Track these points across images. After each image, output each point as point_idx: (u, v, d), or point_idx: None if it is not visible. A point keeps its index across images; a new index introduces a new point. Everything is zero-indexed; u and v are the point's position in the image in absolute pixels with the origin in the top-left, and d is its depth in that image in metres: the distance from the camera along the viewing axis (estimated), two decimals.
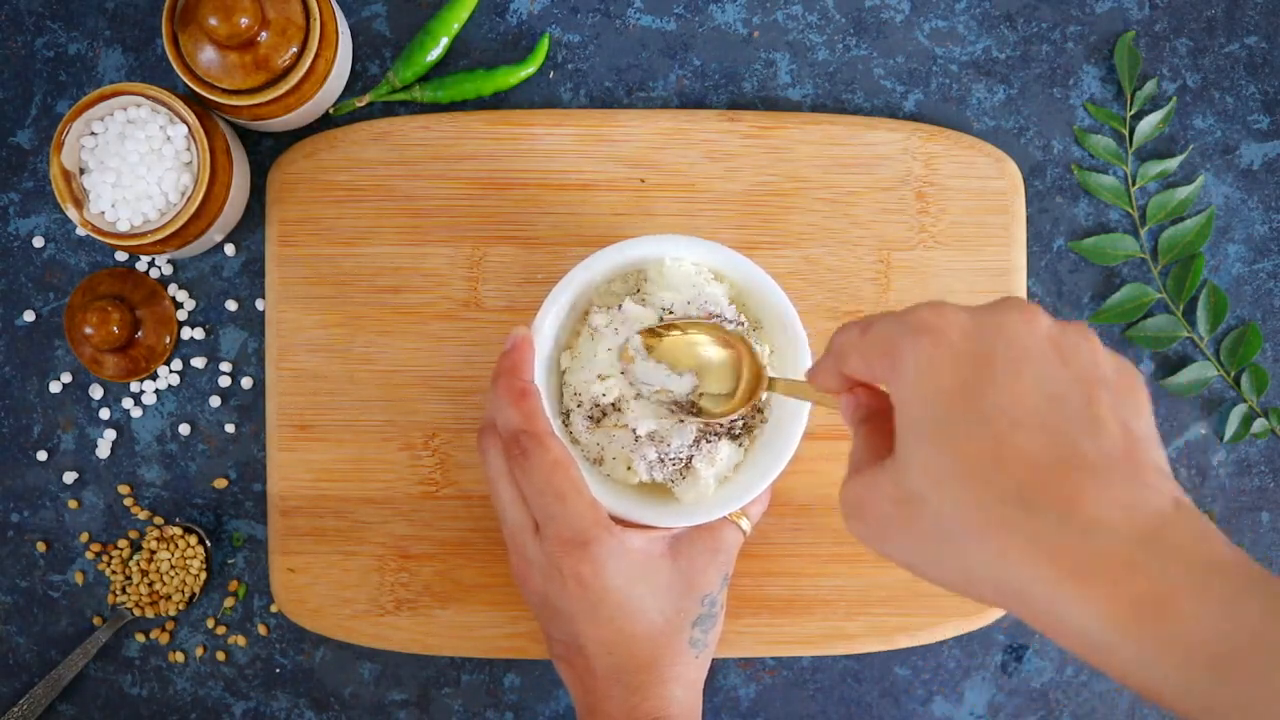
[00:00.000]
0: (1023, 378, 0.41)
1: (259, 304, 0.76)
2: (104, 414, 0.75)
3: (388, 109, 0.76)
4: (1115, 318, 0.76)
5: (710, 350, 0.64)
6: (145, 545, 0.74)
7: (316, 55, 0.68)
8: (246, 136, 0.76)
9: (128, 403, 0.75)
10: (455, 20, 0.75)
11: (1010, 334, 0.42)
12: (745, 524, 0.66)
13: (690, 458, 0.64)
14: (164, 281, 0.76)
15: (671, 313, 0.64)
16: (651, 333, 0.63)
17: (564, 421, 0.66)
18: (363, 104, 0.75)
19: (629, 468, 0.64)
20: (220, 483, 0.75)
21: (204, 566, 0.74)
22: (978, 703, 0.76)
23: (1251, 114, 0.77)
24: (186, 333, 0.75)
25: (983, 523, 0.40)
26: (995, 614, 0.75)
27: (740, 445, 0.65)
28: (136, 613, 0.74)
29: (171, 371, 0.75)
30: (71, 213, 0.67)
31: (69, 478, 0.75)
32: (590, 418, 0.65)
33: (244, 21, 0.64)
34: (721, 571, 0.65)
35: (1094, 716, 0.76)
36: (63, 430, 0.76)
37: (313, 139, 0.74)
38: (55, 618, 0.75)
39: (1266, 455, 0.77)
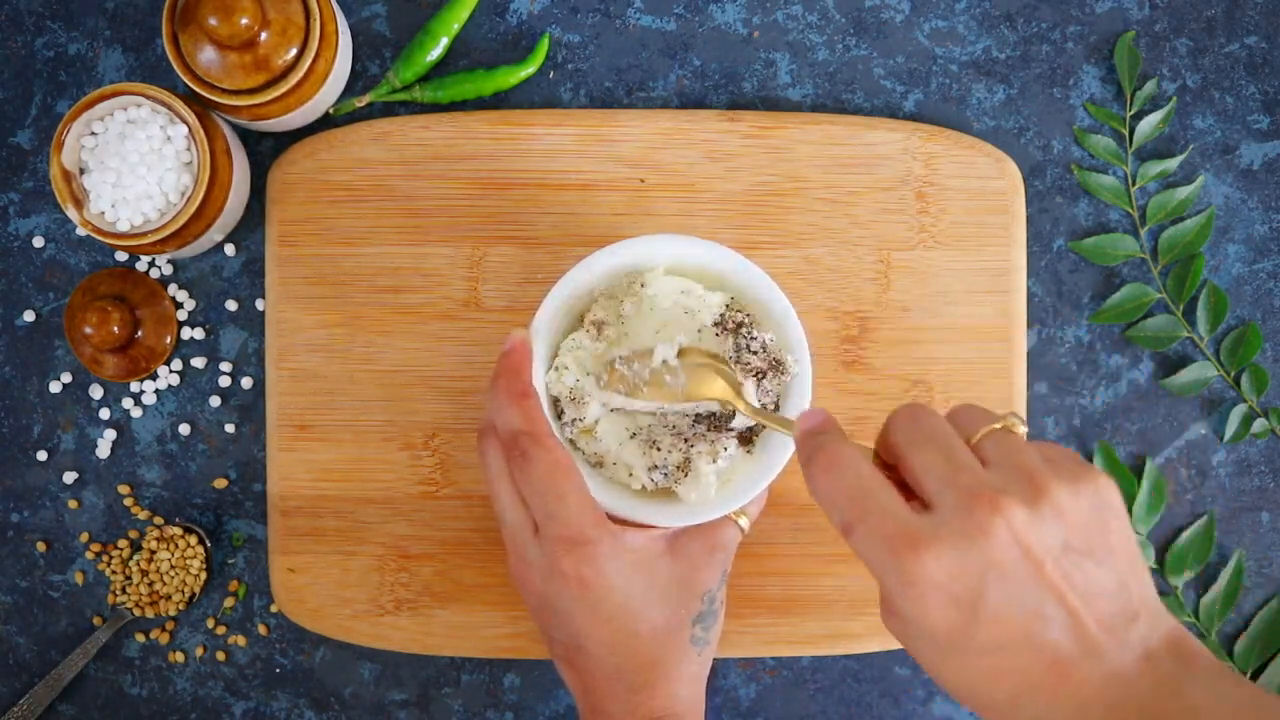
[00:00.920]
0: (1008, 609, 0.46)
1: (259, 304, 0.76)
2: (104, 414, 0.75)
3: (388, 109, 0.76)
4: (1115, 318, 0.76)
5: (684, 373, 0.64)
6: (145, 545, 0.74)
7: (316, 55, 0.68)
8: (246, 136, 0.76)
9: (128, 403, 0.75)
10: (455, 20, 0.75)
11: (995, 570, 0.46)
12: (744, 521, 0.66)
13: (688, 459, 0.64)
14: (164, 281, 0.76)
15: (631, 363, 0.63)
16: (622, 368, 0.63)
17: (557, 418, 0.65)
18: (363, 104, 0.75)
19: (630, 474, 0.64)
20: (220, 483, 0.75)
21: (204, 566, 0.74)
22: None
23: (1251, 114, 0.77)
24: (186, 333, 0.75)
25: (987, 709, 0.49)
26: None
27: (749, 450, 0.65)
28: (136, 613, 0.74)
29: (171, 371, 0.75)
30: (71, 213, 0.67)
31: (69, 478, 0.75)
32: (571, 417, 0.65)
33: (244, 21, 0.64)
34: (721, 568, 0.65)
35: None
36: (63, 430, 0.76)
37: (313, 139, 0.74)
38: (55, 618, 0.75)
39: (1266, 455, 0.77)
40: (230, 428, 0.76)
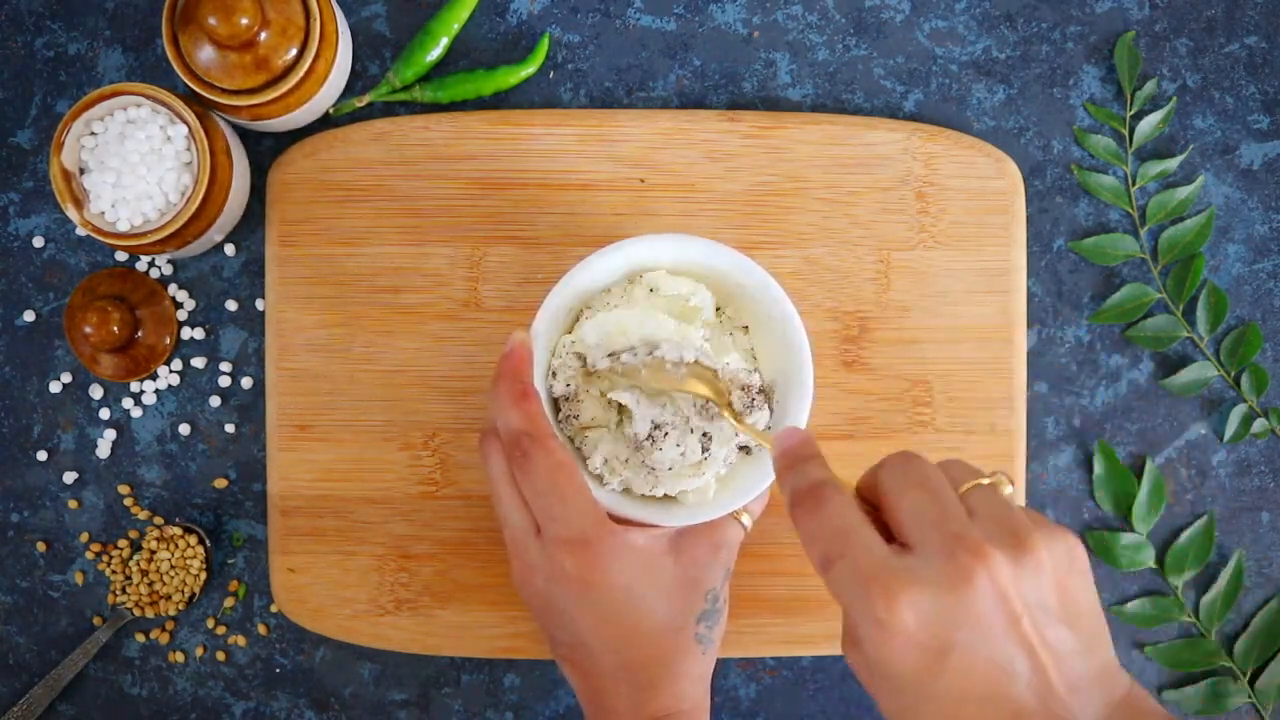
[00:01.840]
0: (977, 661, 0.46)
1: (259, 304, 0.76)
2: (104, 414, 0.75)
3: (388, 109, 0.76)
4: (1115, 318, 0.76)
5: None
6: (145, 545, 0.74)
7: (316, 55, 0.68)
8: (246, 136, 0.76)
9: (128, 403, 0.75)
10: (455, 20, 0.75)
11: (971, 620, 0.45)
12: (746, 520, 0.66)
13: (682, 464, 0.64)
14: (164, 281, 0.76)
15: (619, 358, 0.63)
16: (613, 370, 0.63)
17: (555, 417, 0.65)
18: (363, 104, 0.75)
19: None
20: (220, 483, 0.75)
21: (204, 566, 0.74)
22: None
23: (1251, 114, 0.77)
24: (186, 333, 0.75)
25: None
26: None
27: (751, 452, 0.65)
28: (136, 613, 0.74)
29: (171, 371, 0.75)
30: (71, 213, 0.67)
31: (69, 478, 0.75)
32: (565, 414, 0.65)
33: (244, 21, 0.64)
34: (724, 567, 0.65)
35: None
36: (63, 430, 0.76)
37: (313, 139, 0.74)
38: (55, 618, 0.75)
39: (1266, 455, 0.77)
40: (230, 428, 0.76)
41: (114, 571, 0.75)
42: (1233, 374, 0.76)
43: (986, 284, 0.74)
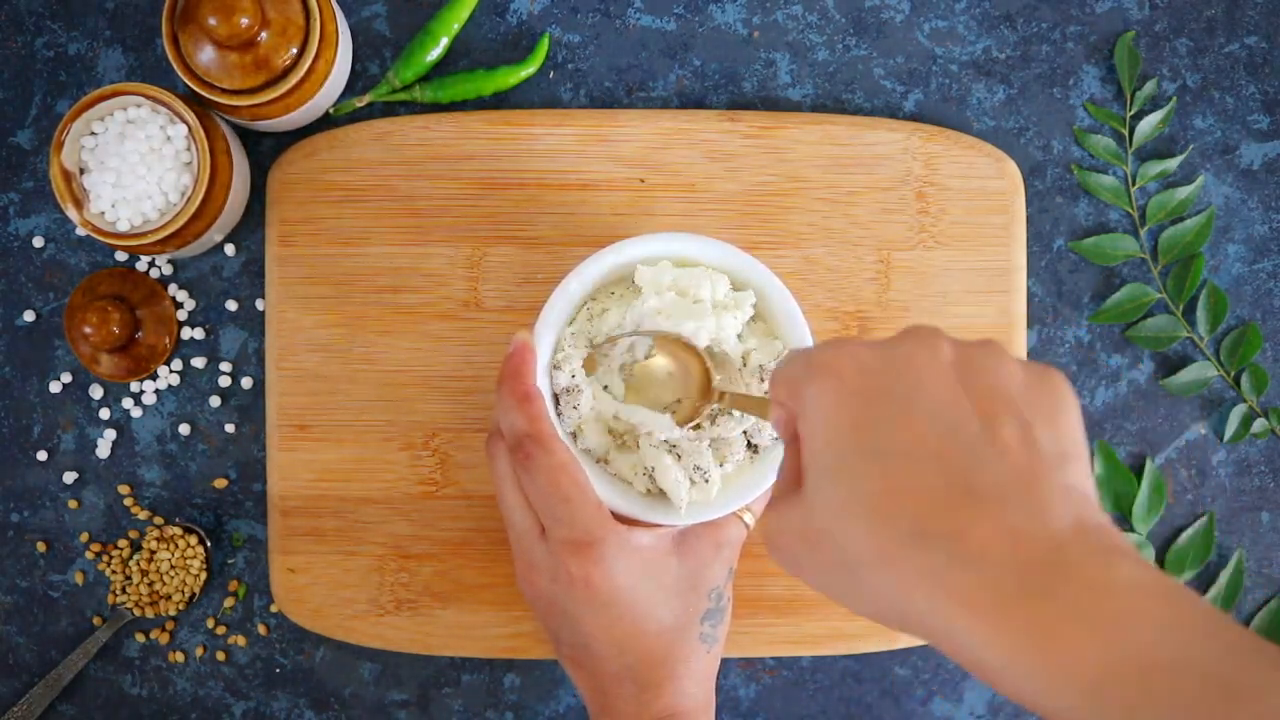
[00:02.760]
0: (917, 410, 0.41)
1: (259, 304, 0.76)
2: (104, 414, 0.75)
3: (388, 109, 0.76)
4: (1115, 318, 0.76)
5: (661, 362, 0.64)
6: (145, 545, 0.74)
7: (316, 55, 0.68)
8: (246, 136, 0.76)
9: (128, 403, 0.75)
10: (455, 20, 0.75)
11: (907, 366, 0.42)
12: (749, 518, 0.66)
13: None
14: (164, 281, 0.76)
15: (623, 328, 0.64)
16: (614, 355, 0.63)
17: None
18: (363, 104, 0.75)
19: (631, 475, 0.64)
20: (220, 483, 0.75)
21: (204, 566, 0.74)
22: (977, 703, 0.76)
23: (1251, 114, 0.77)
24: (186, 333, 0.75)
25: (881, 557, 0.40)
26: None
27: (753, 456, 0.65)
28: (136, 613, 0.74)
29: (171, 371, 0.75)
30: (71, 213, 0.67)
31: (69, 478, 0.75)
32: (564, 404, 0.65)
33: (244, 21, 0.64)
34: (727, 565, 0.65)
35: None
36: (63, 430, 0.76)
37: (313, 139, 0.74)
38: (55, 618, 0.75)
39: (1266, 455, 0.77)
40: (230, 428, 0.76)
41: (114, 571, 0.75)
42: (1233, 374, 0.76)
43: (986, 284, 0.74)
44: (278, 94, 0.67)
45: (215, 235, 0.71)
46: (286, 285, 0.74)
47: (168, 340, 0.75)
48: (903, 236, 0.74)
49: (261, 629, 0.76)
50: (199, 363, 0.76)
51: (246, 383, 0.75)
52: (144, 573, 0.74)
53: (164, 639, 0.75)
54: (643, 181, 0.74)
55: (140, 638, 0.76)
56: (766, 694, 0.76)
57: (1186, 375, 0.76)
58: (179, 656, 0.75)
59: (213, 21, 0.64)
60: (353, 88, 0.76)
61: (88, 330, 0.71)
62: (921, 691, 0.76)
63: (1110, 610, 0.37)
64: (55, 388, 0.75)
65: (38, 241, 0.75)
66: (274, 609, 0.75)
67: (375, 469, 0.74)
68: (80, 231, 0.75)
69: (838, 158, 0.74)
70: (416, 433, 0.74)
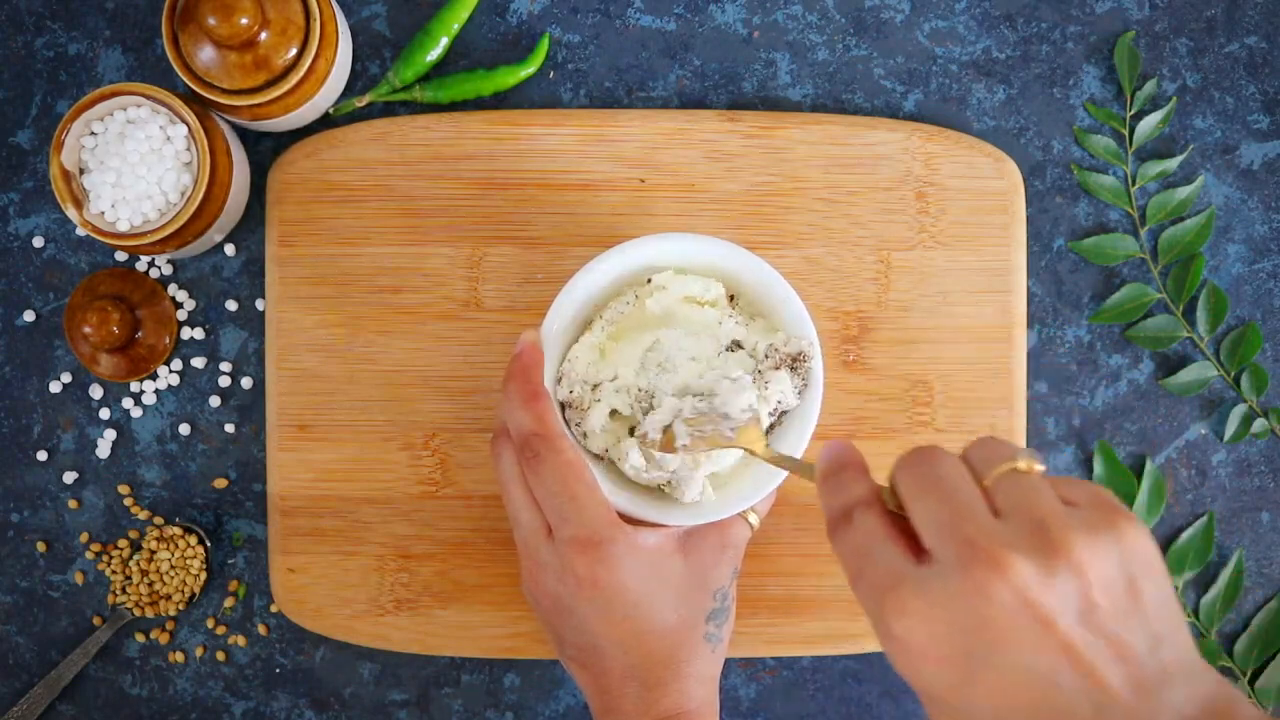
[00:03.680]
0: (1009, 674, 0.42)
1: (259, 304, 0.76)
2: (104, 414, 0.75)
3: (388, 109, 0.76)
4: (1115, 318, 0.76)
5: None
6: (145, 545, 0.74)
7: (316, 55, 0.68)
8: (246, 136, 0.76)
9: (128, 403, 0.75)
10: (455, 20, 0.75)
11: (992, 633, 0.42)
12: (753, 518, 0.66)
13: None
14: (164, 281, 0.76)
15: (681, 412, 0.63)
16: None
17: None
18: (363, 104, 0.75)
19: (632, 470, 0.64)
20: (220, 483, 0.75)
21: (204, 566, 0.74)
22: None
23: (1251, 114, 0.77)
24: (186, 333, 0.75)
25: None
26: None
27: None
28: (136, 613, 0.74)
29: (171, 371, 0.75)
30: (71, 213, 0.67)
31: (69, 478, 0.75)
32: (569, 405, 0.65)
33: (244, 21, 0.64)
34: (732, 565, 0.65)
35: None
36: (63, 430, 0.76)
37: (313, 139, 0.74)
38: (55, 618, 0.75)
39: (1266, 455, 0.77)
40: (230, 428, 0.76)
41: (114, 571, 0.75)
42: (1233, 374, 0.76)
43: (986, 284, 0.74)
44: (278, 94, 0.67)
45: (215, 235, 0.71)
46: (286, 285, 0.74)
47: (168, 340, 0.75)
48: (903, 236, 0.74)
49: (261, 629, 0.76)
50: (199, 363, 0.76)
51: (246, 383, 0.75)
52: (144, 573, 0.74)
53: (164, 639, 0.75)
54: (643, 181, 0.74)
55: (140, 638, 0.76)
56: (766, 694, 0.76)
57: (1186, 375, 0.76)
58: (179, 656, 0.75)
59: (213, 21, 0.64)
60: (353, 88, 0.76)
61: (88, 330, 0.71)
62: None
63: None
64: (55, 388, 0.75)
65: (38, 241, 0.76)
66: (274, 609, 0.75)
67: (375, 469, 0.74)
68: (80, 231, 0.75)
69: (838, 158, 0.74)
70: (416, 433, 0.74)
